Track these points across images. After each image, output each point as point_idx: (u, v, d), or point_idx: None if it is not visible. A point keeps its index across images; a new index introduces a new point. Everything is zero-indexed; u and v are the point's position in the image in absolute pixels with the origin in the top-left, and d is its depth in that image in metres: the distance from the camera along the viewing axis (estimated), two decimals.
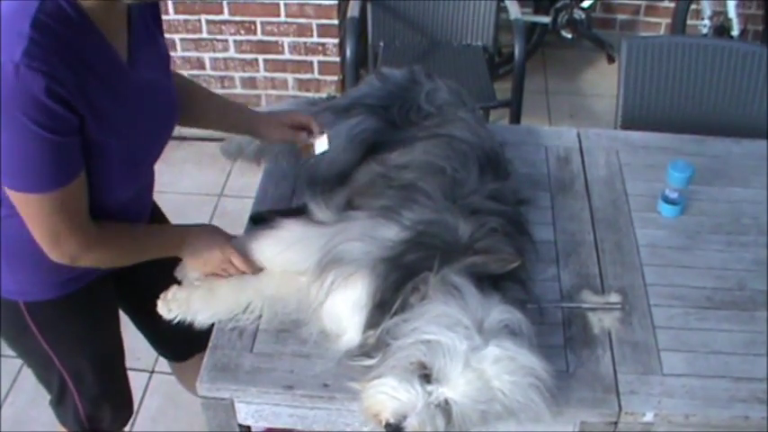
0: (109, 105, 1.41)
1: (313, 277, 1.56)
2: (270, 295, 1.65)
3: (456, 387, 1.35)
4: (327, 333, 1.58)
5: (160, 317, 1.92)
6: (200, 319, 1.65)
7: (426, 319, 1.39)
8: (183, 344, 2.06)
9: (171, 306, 1.66)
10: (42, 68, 1.25)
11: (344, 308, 1.53)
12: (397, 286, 1.47)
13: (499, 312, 1.41)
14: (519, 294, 1.53)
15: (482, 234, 1.56)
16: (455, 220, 1.57)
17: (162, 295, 1.68)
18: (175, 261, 1.72)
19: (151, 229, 1.76)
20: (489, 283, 1.47)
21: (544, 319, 1.67)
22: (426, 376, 1.36)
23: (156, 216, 1.93)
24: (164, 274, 1.71)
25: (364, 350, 1.49)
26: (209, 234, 1.69)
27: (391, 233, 1.55)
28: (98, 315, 1.79)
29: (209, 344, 1.61)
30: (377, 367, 1.42)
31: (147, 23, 1.55)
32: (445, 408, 1.35)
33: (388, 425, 1.35)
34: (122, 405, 1.99)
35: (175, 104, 1.66)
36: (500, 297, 1.45)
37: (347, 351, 1.53)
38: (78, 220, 1.44)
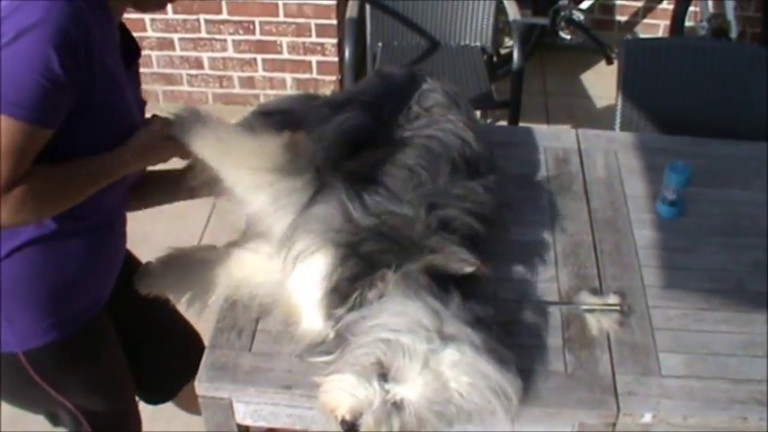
0: (114, 71, 1.46)
1: (282, 241, 1.56)
2: (238, 277, 1.66)
3: (413, 387, 1.36)
4: (290, 321, 1.59)
5: (148, 353, 1.97)
6: (173, 295, 1.67)
7: (386, 318, 1.40)
8: (170, 378, 2.07)
9: (146, 280, 1.70)
10: (75, 1, 1.32)
11: (305, 284, 1.54)
12: (353, 276, 1.48)
13: (460, 313, 1.42)
14: (481, 295, 1.52)
15: (438, 232, 1.56)
16: (414, 216, 1.58)
17: (138, 271, 1.71)
18: (165, 308, 1.76)
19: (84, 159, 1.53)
20: (450, 283, 1.48)
21: (542, 320, 1.67)
22: (384, 375, 1.37)
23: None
24: (152, 315, 1.72)
25: (325, 347, 1.49)
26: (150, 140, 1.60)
27: (357, 214, 1.56)
28: (101, 351, 1.76)
29: (208, 343, 1.61)
30: (335, 362, 1.43)
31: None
32: (401, 407, 1.36)
33: (343, 422, 1.36)
34: (135, 427, 1.99)
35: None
36: (460, 298, 1.45)
37: (308, 347, 1.53)
38: (24, 165, 1.36)
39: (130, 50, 1.64)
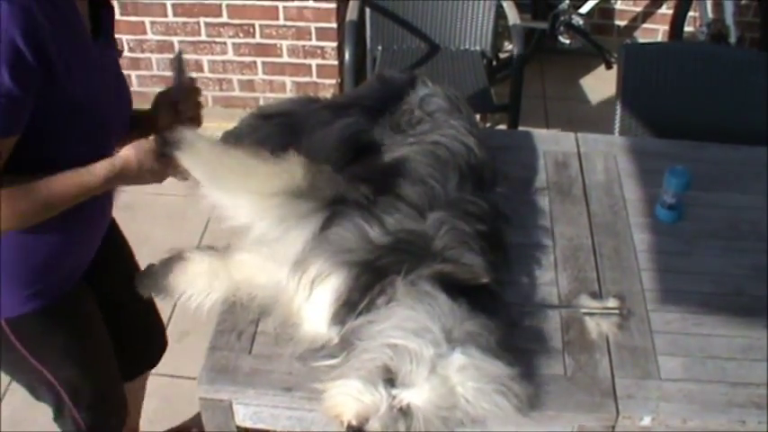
0: (78, 64, 1.43)
1: (296, 265, 1.55)
2: (238, 278, 1.65)
3: (420, 393, 1.35)
4: (289, 323, 1.59)
5: (121, 325, 1.97)
6: (173, 296, 1.67)
7: (393, 323, 1.40)
8: (136, 357, 2.10)
9: (146, 281, 1.71)
10: (23, 3, 1.29)
11: (321, 307, 1.53)
12: (365, 287, 1.48)
13: (467, 320, 1.42)
14: (489, 303, 1.53)
15: (453, 245, 1.57)
16: (431, 231, 1.58)
17: (139, 273, 1.74)
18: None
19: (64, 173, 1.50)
20: (459, 291, 1.48)
21: (542, 323, 1.68)
22: (391, 380, 1.36)
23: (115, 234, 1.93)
24: (133, 294, 1.75)
25: (328, 351, 1.49)
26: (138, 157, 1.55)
27: (374, 233, 1.56)
28: (82, 324, 1.78)
29: (208, 345, 1.61)
30: (340, 367, 1.42)
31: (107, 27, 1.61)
32: (407, 412, 1.36)
33: (349, 426, 1.35)
34: (119, 409, 1.99)
35: (130, 96, 1.70)
36: (469, 305, 1.45)
37: (311, 351, 1.53)
38: None
39: (100, 19, 1.59)
